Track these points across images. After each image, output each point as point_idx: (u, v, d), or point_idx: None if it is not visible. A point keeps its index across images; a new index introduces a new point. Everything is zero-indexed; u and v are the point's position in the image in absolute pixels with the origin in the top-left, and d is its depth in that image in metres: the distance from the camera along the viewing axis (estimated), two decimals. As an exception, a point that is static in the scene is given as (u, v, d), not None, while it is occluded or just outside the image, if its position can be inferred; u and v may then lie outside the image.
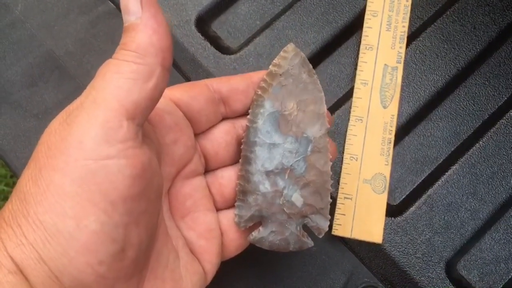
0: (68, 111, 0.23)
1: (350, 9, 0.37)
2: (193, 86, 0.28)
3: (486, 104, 0.35)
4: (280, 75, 0.28)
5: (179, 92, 0.27)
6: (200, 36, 0.37)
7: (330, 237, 0.33)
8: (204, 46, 0.36)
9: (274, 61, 0.28)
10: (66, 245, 0.21)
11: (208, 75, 0.36)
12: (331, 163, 0.28)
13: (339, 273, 0.32)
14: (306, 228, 0.28)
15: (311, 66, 0.29)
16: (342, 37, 0.36)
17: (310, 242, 0.28)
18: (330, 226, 0.32)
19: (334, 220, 0.32)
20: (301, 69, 0.28)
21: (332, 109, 0.35)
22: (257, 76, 0.29)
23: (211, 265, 0.27)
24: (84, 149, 0.21)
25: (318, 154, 0.28)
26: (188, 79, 0.36)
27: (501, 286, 0.32)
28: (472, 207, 0.33)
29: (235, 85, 0.28)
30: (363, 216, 0.32)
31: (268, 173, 0.28)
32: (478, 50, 0.36)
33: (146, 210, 0.23)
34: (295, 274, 0.33)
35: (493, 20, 0.36)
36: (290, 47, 0.29)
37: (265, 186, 0.28)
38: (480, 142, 0.34)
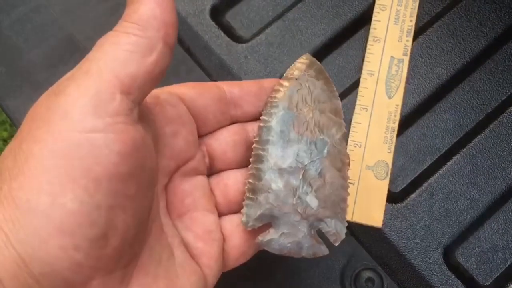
0: (58, 83, 0.21)
1: (360, 2, 0.38)
2: (201, 84, 0.27)
3: (490, 98, 0.36)
4: (296, 79, 0.27)
5: (185, 88, 0.26)
6: (214, 25, 0.38)
7: (332, 220, 0.34)
8: (217, 34, 0.38)
9: (290, 67, 0.28)
10: (38, 225, 0.19)
11: (220, 62, 0.37)
12: (349, 167, 0.27)
13: (339, 255, 0.33)
14: (321, 235, 0.27)
15: (327, 75, 0.28)
16: (351, 30, 0.38)
17: (325, 249, 0.26)
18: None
19: (336, 203, 0.34)
20: (318, 76, 0.28)
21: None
22: (269, 82, 0.28)
23: (210, 270, 0.25)
24: (70, 119, 0.19)
25: (335, 156, 0.27)
26: (201, 66, 0.38)
27: (498, 274, 0.32)
28: (472, 196, 0.34)
29: (246, 88, 0.27)
30: (364, 200, 0.33)
31: (281, 171, 0.26)
32: (484, 45, 0.37)
33: (136, 195, 0.21)
34: (296, 255, 0.34)
35: (499, 17, 0.37)
36: (306, 56, 0.28)
37: (278, 185, 0.26)
38: (482, 134, 0.35)
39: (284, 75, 0.28)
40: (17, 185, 0.19)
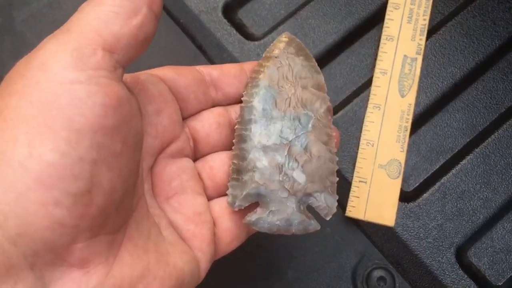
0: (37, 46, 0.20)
1: (373, 1, 0.38)
2: (181, 67, 0.26)
3: (503, 98, 0.36)
4: (276, 57, 0.27)
5: (164, 70, 0.26)
6: (226, 22, 0.38)
7: (344, 219, 0.34)
8: (229, 32, 0.38)
9: (269, 47, 0.28)
10: (14, 178, 0.17)
11: (232, 59, 0.37)
12: (336, 140, 0.27)
13: (351, 254, 0.33)
14: (312, 211, 0.26)
15: (308, 51, 0.28)
16: (364, 28, 0.38)
17: (316, 224, 0.26)
18: (344, 208, 0.33)
19: (349, 202, 0.33)
20: (298, 52, 0.27)
21: (351, 97, 0.36)
22: (249, 64, 0.27)
23: (202, 253, 0.24)
24: (48, 71, 0.18)
25: (320, 129, 0.26)
26: (213, 63, 0.38)
27: (511, 274, 0.32)
28: (485, 196, 0.34)
29: (226, 70, 0.27)
30: (376, 199, 0.33)
31: (265, 149, 0.25)
32: (497, 45, 0.37)
33: (122, 153, 0.20)
34: (307, 254, 0.34)
35: (513, 16, 0.37)
36: (285, 34, 0.28)
37: (263, 163, 0.25)
38: (496, 134, 0.35)
39: (264, 55, 0.27)
40: None
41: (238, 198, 0.25)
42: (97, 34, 0.19)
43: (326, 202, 0.26)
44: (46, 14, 0.38)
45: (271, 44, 0.28)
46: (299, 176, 0.25)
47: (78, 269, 0.19)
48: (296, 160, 0.25)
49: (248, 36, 0.38)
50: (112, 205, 0.20)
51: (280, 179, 0.25)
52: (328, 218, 0.26)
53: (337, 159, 0.26)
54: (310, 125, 0.26)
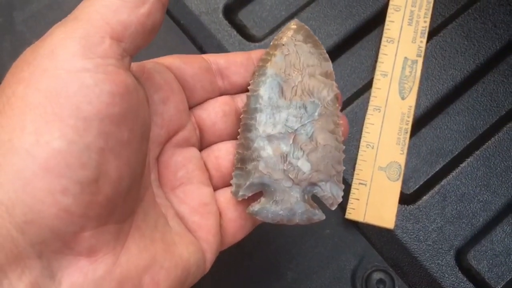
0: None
1: (373, 3, 0.38)
2: (187, 55, 0.26)
3: (504, 100, 0.36)
4: (283, 44, 0.26)
5: (171, 58, 0.25)
6: (227, 23, 0.38)
7: (343, 221, 0.34)
8: (230, 33, 0.38)
9: (276, 35, 0.27)
10: (21, 165, 0.17)
11: (232, 61, 0.37)
12: (343, 129, 0.26)
13: (350, 256, 0.33)
14: (317, 200, 0.26)
15: (316, 38, 0.27)
16: (364, 30, 0.38)
17: (320, 214, 0.25)
18: (344, 210, 0.33)
19: (348, 204, 0.33)
20: (306, 39, 0.27)
21: (352, 99, 0.36)
22: (256, 52, 0.27)
23: (208, 244, 0.24)
24: (56, 59, 0.18)
25: (327, 118, 0.25)
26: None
27: (510, 277, 0.32)
28: (485, 199, 0.34)
29: (233, 58, 0.26)
30: (376, 201, 0.33)
31: (270, 138, 0.25)
32: (498, 48, 0.37)
33: (129, 142, 0.20)
34: (307, 255, 0.34)
35: (514, 19, 0.37)
36: (294, 21, 0.27)
37: (267, 152, 0.25)
38: (496, 137, 0.35)
39: (271, 43, 0.27)
40: None
41: (241, 187, 0.25)
42: (105, 22, 0.19)
43: (331, 191, 0.25)
44: (46, 14, 0.38)
45: (280, 32, 0.27)
46: (304, 165, 0.25)
47: (85, 258, 0.19)
48: (301, 149, 0.25)
49: (248, 37, 0.38)
50: (120, 194, 0.20)
51: (285, 168, 0.25)
52: (333, 208, 0.25)
53: (343, 147, 0.26)
54: (316, 113, 0.25)
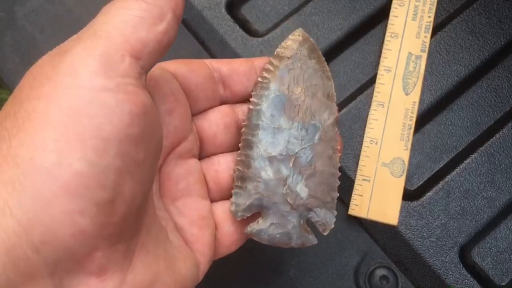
0: (61, 45, 0.20)
1: (377, -2, 0.37)
2: (192, 61, 0.26)
3: (508, 96, 0.35)
4: (288, 58, 0.26)
5: (176, 64, 0.25)
6: (230, 18, 0.38)
7: (346, 217, 0.34)
8: (233, 28, 0.37)
9: (282, 44, 0.27)
10: (41, 185, 0.17)
11: (235, 56, 0.37)
12: (340, 154, 0.27)
13: (353, 253, 0.33)
14: (310, 224, 0.27)
15: (320, 53, 0.27)
16: (368, 25, 0.37)
17: (313, 239, 0.26)
18: (347, 206, 0.33)
19: (351, 200, 0.33)
20: (311, 54, 0.27)
21: (355, 94, 0.36)
22: (260, 61, 0.27)
23: (203, 256, 0.24)
24: (78, 77, 0.18)
25: (326, 143, 0.26)
26: (215, 60, 0.37)
27: (514, 274, 0.32)
28: (489, 195, 0.33)
29: (236, 66, 0.26)
30: (380, 198, 0.33)
31: (271, 159, 0.25)
32: (503, 43, 0.36)
33: (144, 162, 0.20)
34: (309, 251, 0.33)
35: (519, 14, 0.37)
36: (299, 31, 0.27)
37: (267, 173, 0.25)
38: (500, 133, 0.34)
39: (275, 52, 0.27)
40: (17, 143, 0.17)
41: (241, 208, 0.25)
42: (124, 39, 0.19)
43: (325, 218, 0.26)
44: (47, 9, 0.38)
45: (284, 41, 0.27)
46: (302, 190, 0.26)
47: (96, 277, 0.19)
48: (300, 173, 0.26)
49: (251, 32, 0.38)
50: (132, 213, 0.20)
51: (284, 192, 0.25)
52: (325, 234, 0.26)
53: (339, 174, 0.26)
54: (316, 138, 0.26)
